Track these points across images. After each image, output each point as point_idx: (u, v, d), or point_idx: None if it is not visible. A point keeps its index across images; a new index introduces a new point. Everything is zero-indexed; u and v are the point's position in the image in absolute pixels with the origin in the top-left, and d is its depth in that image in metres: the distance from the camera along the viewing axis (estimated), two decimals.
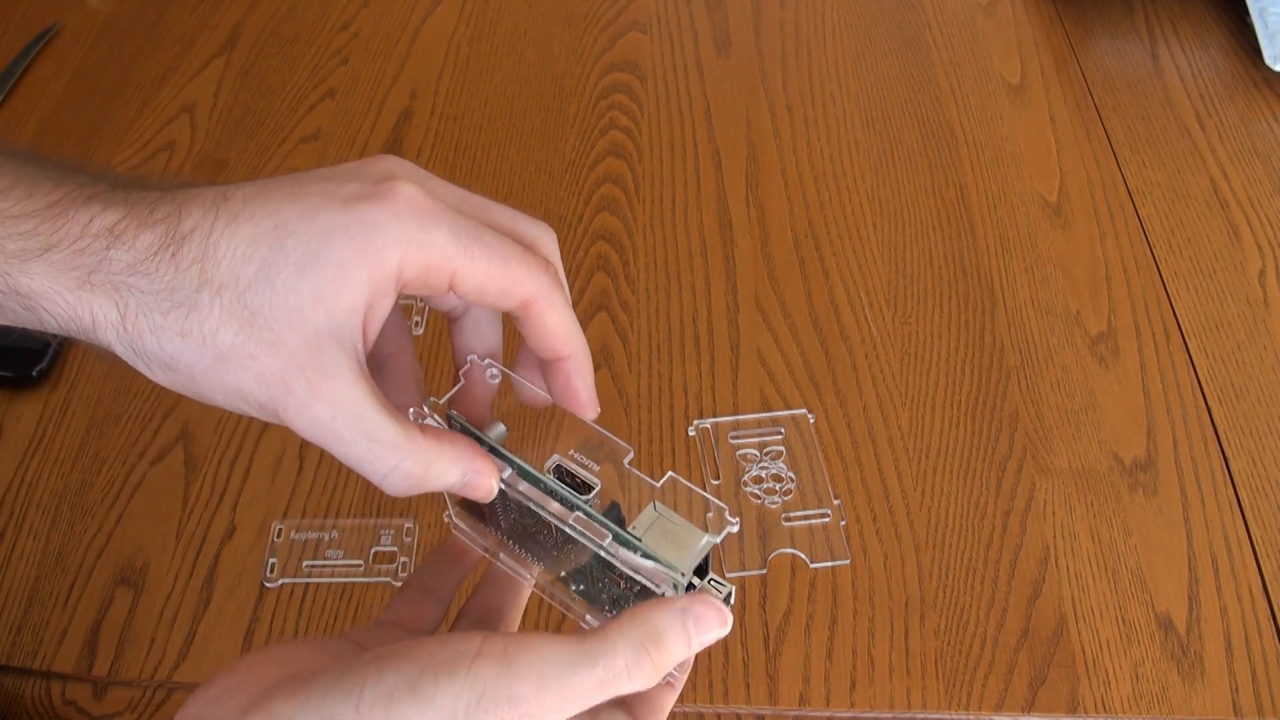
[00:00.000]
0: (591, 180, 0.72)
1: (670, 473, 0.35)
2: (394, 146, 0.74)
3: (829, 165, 0.73)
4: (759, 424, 0.59)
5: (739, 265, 0.67)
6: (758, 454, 0.58)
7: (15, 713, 0.50)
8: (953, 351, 0.63)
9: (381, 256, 0.29)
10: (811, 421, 0.60)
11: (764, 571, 0.54)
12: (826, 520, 0.56)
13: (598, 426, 0.36)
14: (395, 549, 0.54)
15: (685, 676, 0.35)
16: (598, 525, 0.34)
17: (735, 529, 0.33)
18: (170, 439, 0.58)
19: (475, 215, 0.32)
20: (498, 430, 0.37)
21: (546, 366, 0.36)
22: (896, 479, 0.57)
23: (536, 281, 0.33)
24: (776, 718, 0.50)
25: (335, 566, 0.54)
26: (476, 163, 0.74)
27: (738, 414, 0.60)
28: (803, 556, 0.54)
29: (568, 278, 0.66)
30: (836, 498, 0.56)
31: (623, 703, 0.34)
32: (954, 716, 0.49)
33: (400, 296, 0.31)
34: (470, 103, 0.78)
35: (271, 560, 0.54)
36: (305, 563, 0.54)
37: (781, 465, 0.58)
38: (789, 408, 0.60)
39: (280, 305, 0.29)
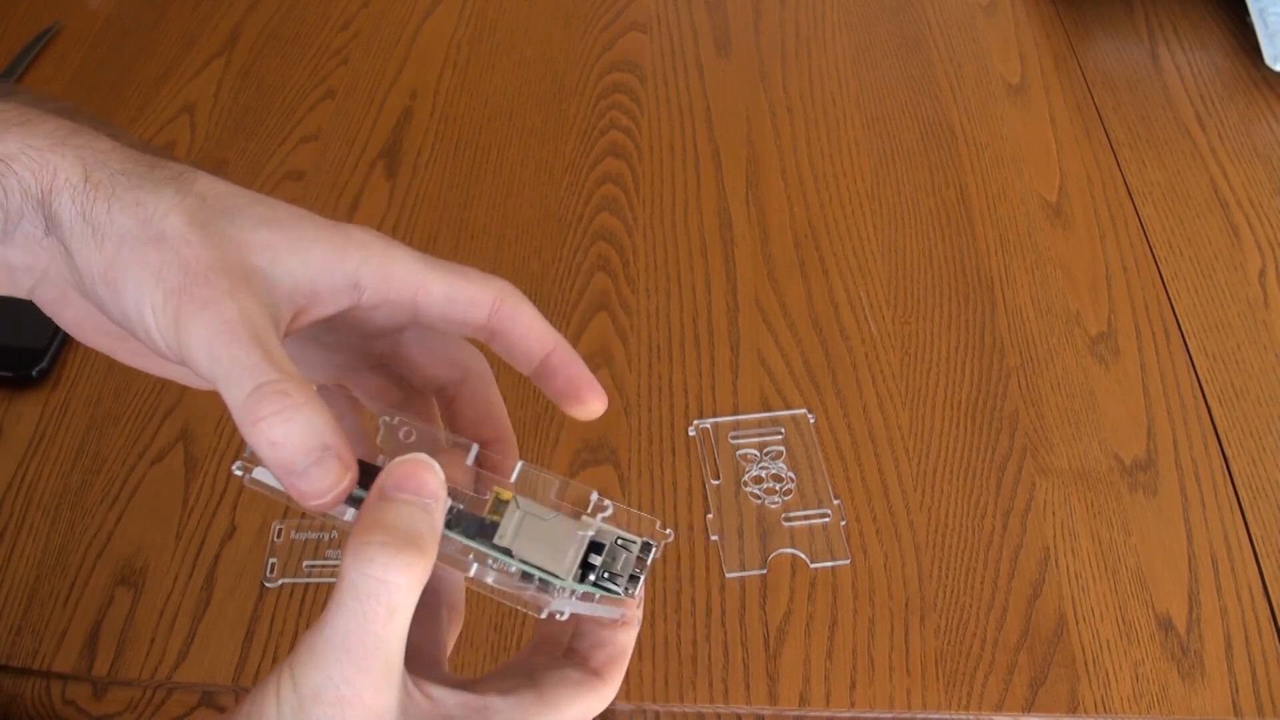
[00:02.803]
0: (591, 180, 0.72)
1: (520, 462, 0.31)
2: (394, 146, 0.74)
3: (829, 165, 0.73)
4: (759, 424, 0.59)
5: (739, 265, 0.67)
6: (758, 454, 0.58)
7: (15, 713, 0.50)
8: (953, 351, 0.63)
9: (343, 253, 0.30)
10: (811, 421, 0.60)
11: (764, 571, 0.54)
12: (826, 520, 0.56)
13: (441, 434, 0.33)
14: None
15: (640, 613, 0.32)
16: (460, 543, 0.29)
17: (608, 514, 0.30)
18: (170, 439, 0.58)
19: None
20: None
21: (537, 374, 0.34)
22: (896, 479, 0.57)
23: (499, 285, 0.32)
24: (776, 718, 0.50)
25: (335, 567, 0.54)
26: (476, 163, 0.74)
27: (738, 414, 0.60)
28: (803, 556, 0.54)
29: (567, 278, 0.66)
30: (836, 498, 0.56)
31: (574, 652, 0.32)
32: (954, 716, 0.49)
33: (361, 330, 0.31)
34: (470, 103, 0.78)
35: (271, 560, 0.54)
36: (305, 563, 0.54)
37: (781, 465, 0.58)
38: (789, 408, 0.60)
39: (233, 232, 0.28)
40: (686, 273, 0.67)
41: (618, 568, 0.30)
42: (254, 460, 0.29)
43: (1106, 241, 0.69)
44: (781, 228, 0.69)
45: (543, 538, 0.29)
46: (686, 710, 0.50)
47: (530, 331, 0.33)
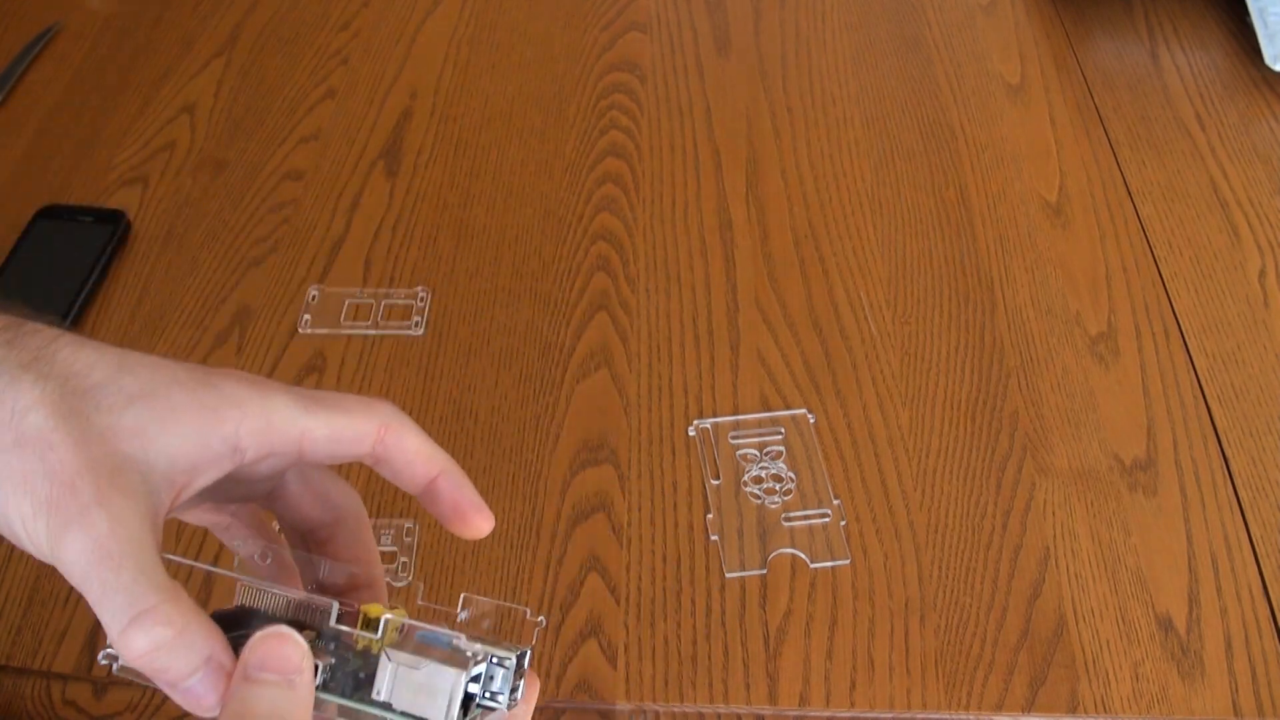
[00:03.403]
0: (591, 180, 0.72)
1: (386, 615, 0.30)
2: (394, 146, 0.74)
3: (829, 165, 0.73)
4: (759, 424, 0.59)
5: (739, 265, 0.67)
6: (758, 454, 0.58)
7: (15, 713, 0.50)
8: (953, 351, 0.63)
9: (219, 417, 0.29)
10: (811, 421, 0.60)
11: (764, 571, 0.54)
12: (826, 520, 0.56)
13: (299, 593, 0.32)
14: (395, 549, 0.54)
15: (535, 688, 0.31)
16: (338, 704, 0.29)
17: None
18: None
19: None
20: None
21: (424, 496, 0.34)
22: (896, 479, 0.57)
23: (382, 411, 0.32)
24: (776, 718, 0.50)
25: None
26: (476, 163, 0.74)
27: (738, 414, 0.60)
28: (803, 556, 0.54)
29: (567, 278, 0.66)
30: (836, 498, 0.56)
31: None
32: (954, 716, 0.49)
33: (243, 481, 0.31)
34: (470, 103, 0.78)
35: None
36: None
37: (781, 465, 0.58)
38: (789, 408, 0.60)
39: (100, 420, 0.27)
40: (686, 273, 0.67)
41: (497, 686, 0.29)
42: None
43: (1106, 241, 0.69)
44: (781, 228, 0.69)
45: (420, 682, 0.29)
46: (686, 710, 0.50)
47: (416, 456, 0.33)
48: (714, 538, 0.55)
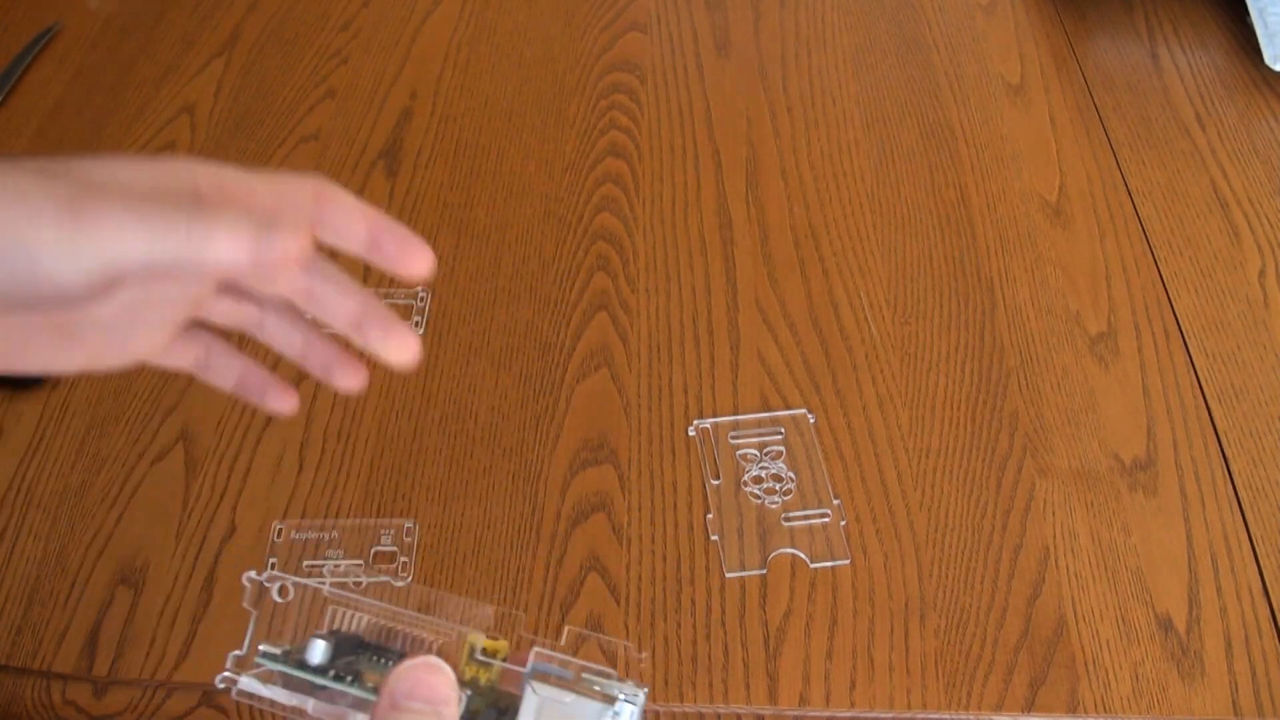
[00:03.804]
0: (591, 180, 0.72)
1: (536, 648, 0.31)
2: (394, 146, 0.74)
3: (829, 165, 0.73)
4: (759, 424, 0.59)
5: (739, 265, 0.67)
6: (758, 454, 0.58)
7: (15, 713, 0.50)
8: (953, 351, 0.63)
9: (176, 171, 0.31)
10: (811, 421, 0.60)
11: (764, 571, 0.54)
12: (826, 520, 0.56)
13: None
14: (395, 549, 0.54)
15: None
16: None
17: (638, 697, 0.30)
18: (170, 439, 0.58)
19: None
20: (318, 647, 0.32)
21: (371, 249, 0.35)
22: (896, 479, 0.57)
23: (315, 177, 0.34)
24: (776, 718, 0.50)
25: (335, 566, 0.54)
26: (476, 163, 0.74)
27: (738, 414, 0.60)
28: (803, 556, 0.54)
29: (567, 277, 0.66)
30: (836, 498, 0.56)
31: None
32: (954, 716, 0.49)
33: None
34: (470, 103, 0.78)
35: (272, 559, 0.54)
36: (305, 562, 0.54)
37: (781, 465, 0.58)
38: (789, 408, 0.60)
39: (80, 172, 0.30)
40: (686, 273, 0.67)
41: None
42: (239, 668, 0.32)
43: (1106, 241, 0.69)
44: (781, 228, 0.69)
45: (564, 716, 0.30)
46: (686, 710, 0.50)
47: (354, 210, 0.35)
48: (714, 538, 0.55)
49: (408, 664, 0.29)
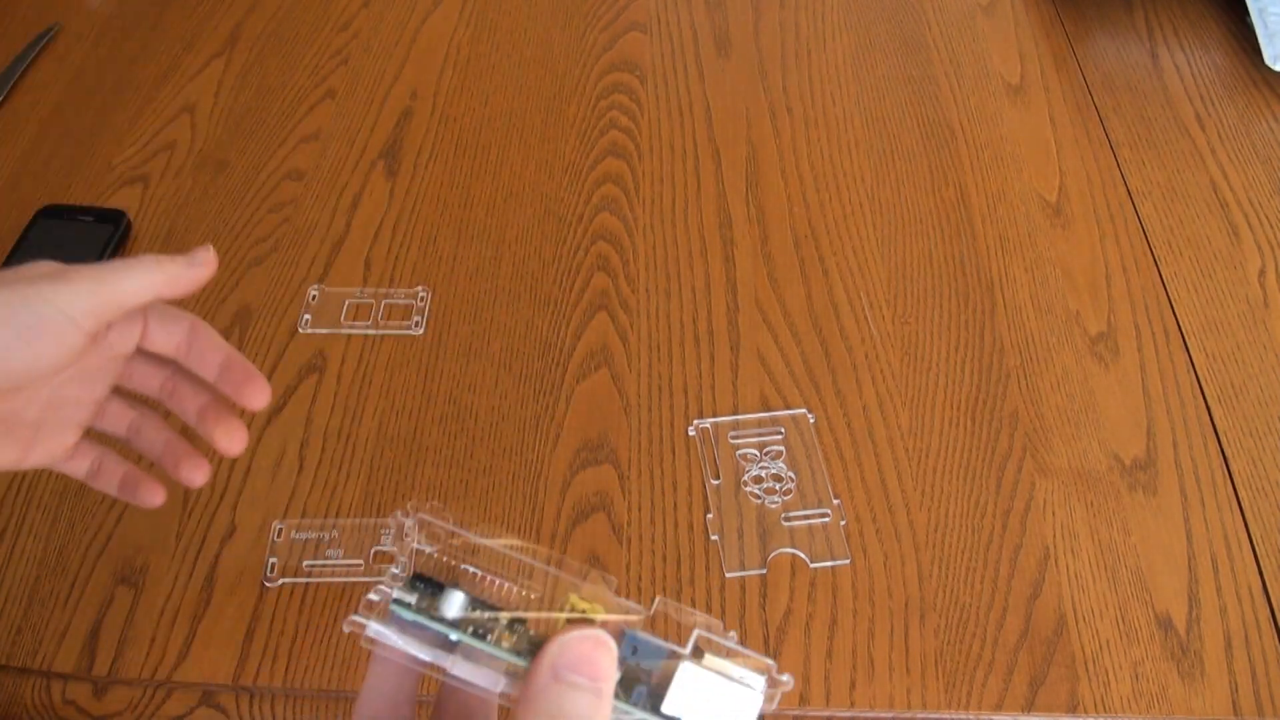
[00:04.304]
0: (591, 180, 0.72)
1: (696, 630, 0.30)
2: (394, 146, 0.74)
3: (829, 165, 0.73)
4: (759, 424, 0.59)
5: (739, 265, 0.67)
6: (758, 454, 0.58)
7: (15, 713, 0.50)
8: (953, 351, 0.63)
9: (104, 284, 0.39)
10: (811, 421, 0.60)
11: (764, 571, 0.54)
12: (826, 520, 0.56)
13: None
14: (395, 549, 0.54)
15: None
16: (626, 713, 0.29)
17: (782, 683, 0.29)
18: None
19: None
20: (456, 599, 0.31)
21: (221, 373, 0.44)
22: (896, 479, 0.57)
23: (189, 313, 0.44)
24: (776, 717, 0.50)
25: (335, 566, 0.54)
26: (476, 163, 0.74)
27: (738, 414, 0.60)
28: (803, 556, 0.54)
29: (567, 277, 0.66)
30: (836, 497, 0.56)
31: None
32: (954, 716, 0.49)
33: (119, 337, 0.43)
34: (470, 103, 0.78)
35: (272, 560, 0.54)
36: (305, 562, 0.54)
37: (781, 465, 0.58)
38: (789, 408, 0.60)
39: (23, 274, 0.38)
40: (686, 273, 0.67)
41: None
42: (368, 613, 0.31)
43: (1106, 241, 0.69)
44: (781, 228, 0.69)
45: (712, 704, 0.28)
46: None
47: (219, 346, 0.44)
48: (714, 537, 0.55)
49: (575, 634, 0.28)
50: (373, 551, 0.54)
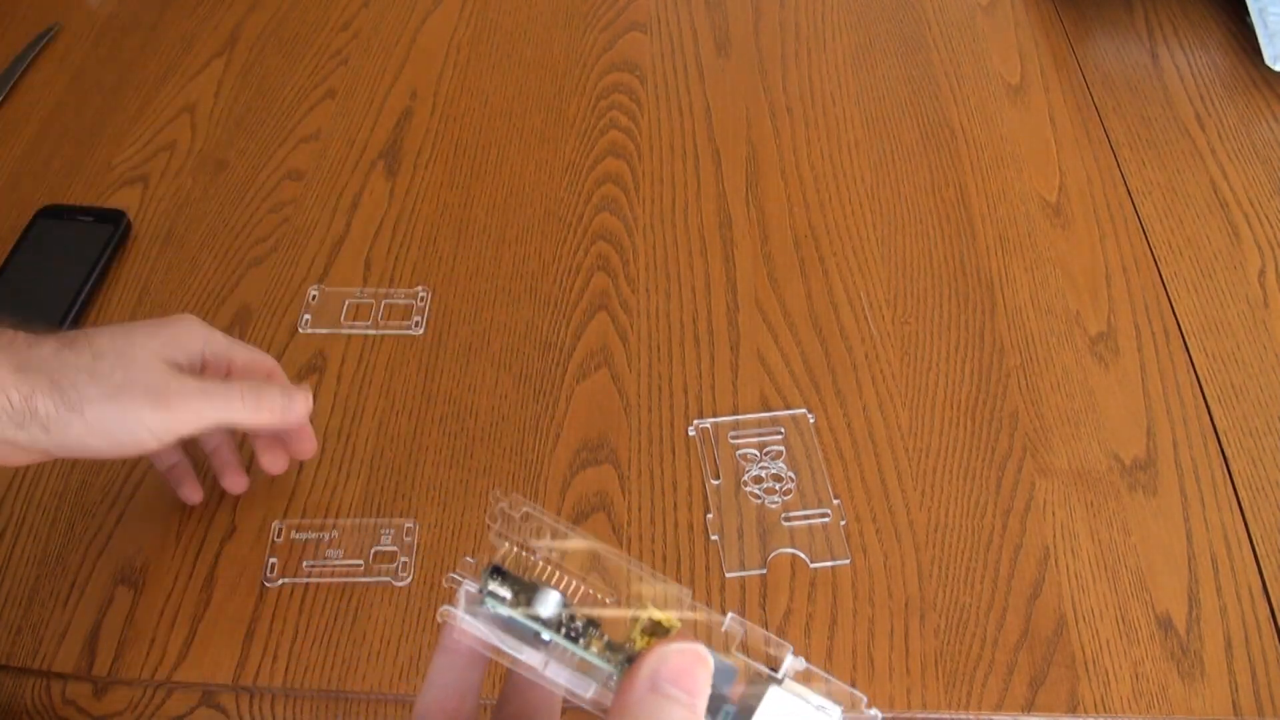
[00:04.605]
0: (591, 180, 0.72)
1: (789, 653, 0.30)
2: (394, 146, 0.74)
3: (829, 165, 0.73)
4: (759, 424, 0.59)
5: (739, 265, 0.67)
6: (758, 454, 0.58)
7: (15, 713, 0.50)
8: (953, 351, 0.63)
9: (191, 339, 0.49)
10: (811, 421, 0.60)
11: (764, 571, 0.54)
12: (826, 520, 0.56)
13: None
14: (395, 549, 0.54)
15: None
16: None
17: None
18: None
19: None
20: (552, 598, 0.31)
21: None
22: (896, 479, 0.57)
23: (271, 359, 0.53)
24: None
25: (335, 566, 0.54)
26: (476, 163, 0.74)
27: (738, 414, 0.60)
28: (803, 556, 0.54)
29: (567, 278, 0.66)
30: (836, 497, 0.56)
31: None
32: (954, 716, 0.49)
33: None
34: (470, 103, 0.78)
35: (272, 560, 0.54)
36: (306, 563, 0.54)
37: (781, 465, 0.58)
38: (789, 408, 0.60)
39: (144, 354, 0.46)
40: (686, 273, 0.67)
41: None
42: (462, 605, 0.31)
43: (1106, 241, 0.69)
44: (781, 228, 0.69)
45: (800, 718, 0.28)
46: None
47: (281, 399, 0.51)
48: (714, 538, 0.55)
49: (676, 646, 0.27)
50: (373, 551, 0.54)
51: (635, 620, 0.30)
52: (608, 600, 0.31)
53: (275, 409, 0.49)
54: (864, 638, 0.52)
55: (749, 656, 0.30)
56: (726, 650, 0.30)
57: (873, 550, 0.55)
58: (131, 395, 0.44)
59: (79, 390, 0.44)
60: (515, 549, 0.32)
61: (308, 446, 0.54)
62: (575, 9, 0.85)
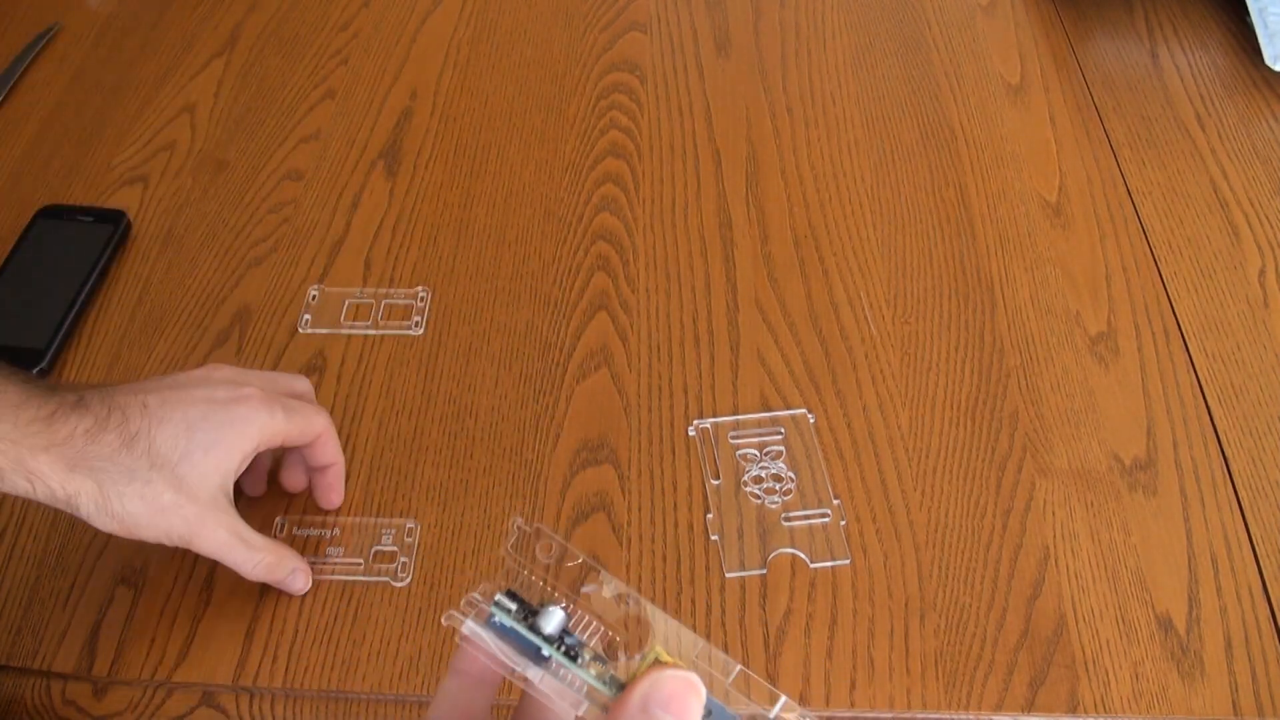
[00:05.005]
0: (591, 180, 0.72)
1: (739, 666, 0.32)
2: (394, 146, 0.74)
3: (829, 165, 0.73)
4: (759, 424, 0.59)
5: (739, 265, 0.67)
6: (758, 454, 0.58)
7: (15, 713, 0.50)
8: (953, 351, 0.63)
9: (247, 438, 0.49)
10: (811, 421, 0.60)
11: (764, 571, 0.54)
12: (826, 520, 0.56)
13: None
14: (396, 549, 0.54)
15: None
16: None
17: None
18: None
19: (276, 387, 0.53)
20: (556, 616, 0.32)
21: (318, 470, 0.55)
22: (896, 479, 0.57)
23: (322, 422, 0.53)
24: (776, 718, 0.50)
25: (336, 564, 0.54)
26: (476, 163, 0.74)
27: (738, 414, 0.60)
28: (803, 556, 0.54)
29: (567, 278, 0.66)
30: (836, 498, 0.56)
31: None
32: (954, 716, 0.49)
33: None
34: (470, 103, 0.78)
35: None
36: (307, 559, 0.54)
37: (781, 465, 0.58)
38: (789, 408, 0.60)
39: (196, 474, 0.47)
40: (686, 273, 0.67)
41: None
42: (468, 611, 0.32)
43: (1106, 241, 0.69)
44: (781, 228, 0.69)
45: None
46: None
47: (330, 452, 0.54)
48: (714, 538, 0.55)
49: (669, 673, 0.29)
50: (373, 551, 0.54)
51: (643, 657, 0.31)
52: (619, 639, 0.32)
53: (276, 582, 0.52)
54: (864, 638, 0.52)
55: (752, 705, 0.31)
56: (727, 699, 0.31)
57: (873, 550, 0.55)
58: (170, 519, 0.46)
59: (124, 504, 0.45)
60: (552, 591, 0.33)
61: (335, 497, 0.56)
62: (575, 9, 0.85)
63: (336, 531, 0.55)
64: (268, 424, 0.50)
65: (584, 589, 0.34)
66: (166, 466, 0.46)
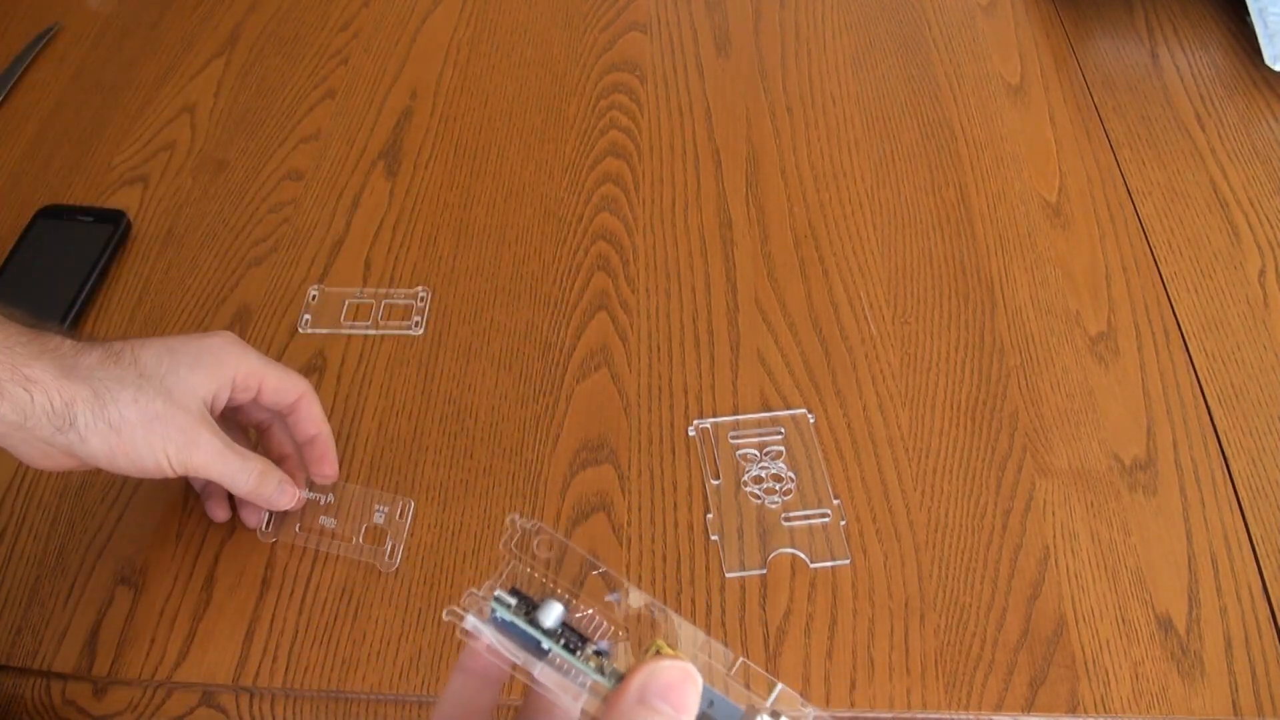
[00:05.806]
0: (591, 180, 0.72)
1: (741, 658, 0.32)
2: (394, 146, 0.74)
3: (829, 165, 0.73)
4: (759, 424, 0.59)
5: (739, 265, 0.67)
6: (758, 454, 0.58)
7: (15, 713, 0.50)
8: (953, 351, 0.63)
9: (224, 364, 0.50)
10: (811, 421, 0.60)
11: (764, 571, 0.54)
12: (826, 520, 0.56)
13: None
14: (387, 529, 0.54)
15: None
16: None
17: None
18: None
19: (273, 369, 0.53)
20: (555, 610, 0.32)
21: (306, 442, 0.55)
22: (896, 479, 0.57)
23: (304, 383, 0.53)
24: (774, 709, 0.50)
25: (324, 528, 0.54)
26: (476, 163, 0.74)
27: (738, 414, 0.60)
28: (803, 556, 0.54)
29: (567, 277, 0.66)
30: (836, 498, 0.56)
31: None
32: (954, 716, 0.49)
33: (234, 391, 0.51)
34: (470, 103, 0.78)
35: (266, 514, 0.55)
36: (296, 526, 0.55)
37: (781, 465, 0.58)
38: (789, 408, 0.60)
39: (184, 387, 0.48)
40: (686, 273, 0.67)
41: None
42: (470, 607, 0.32)
43: (1106, 241, 0.69)
44: (781, 228, 0.69)
45: None
46: None
47: (315, 418, 0.54)
48: (714, 538, 0.55)
49: (667, 663, 0.29)
50: (363, 528, 0.55)
51: (645, 651, 0.31)
52: (620, 634, 0.32)
53: (264, 496, 0.51)
54: (864, 638, 0.52)
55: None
56: (727, 690, 0.31)
57: (873, 550, 0.55)
58: (165, 428, 0.46)
59: (120, 409, 0.45)
60: (566, 596, 0.33)
61: (328, 467, 0.55)
62: (575, 9, 0.85)
63: (330, 499, 0.56)
64: (244, 356, 0.51)
65: (607, 597, 0.34)
66: (155, 378, 0.47)
